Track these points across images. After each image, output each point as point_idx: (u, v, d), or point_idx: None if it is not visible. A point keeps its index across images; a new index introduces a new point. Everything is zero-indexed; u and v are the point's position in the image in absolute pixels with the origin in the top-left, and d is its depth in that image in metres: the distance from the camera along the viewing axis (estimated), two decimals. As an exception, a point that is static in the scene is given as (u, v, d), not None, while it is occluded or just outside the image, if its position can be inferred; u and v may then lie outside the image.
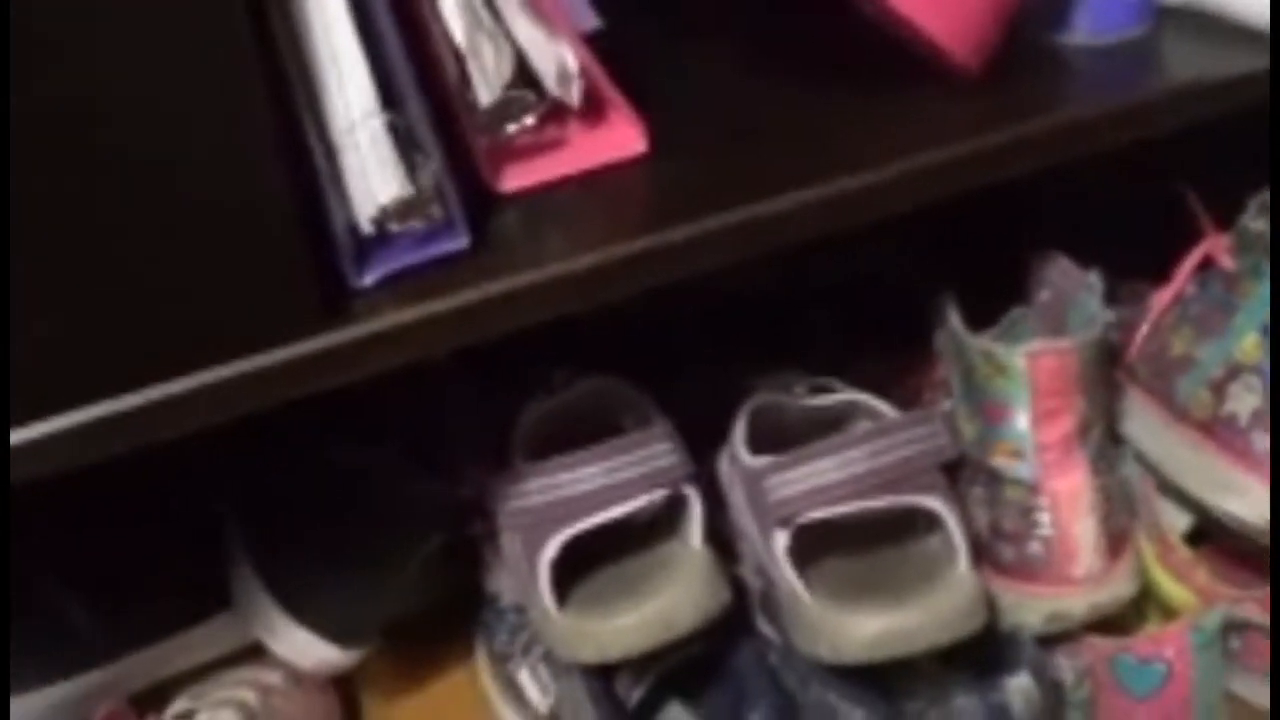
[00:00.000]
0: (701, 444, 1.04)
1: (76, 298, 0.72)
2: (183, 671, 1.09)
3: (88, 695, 1.03)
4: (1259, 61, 0.91)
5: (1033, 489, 1.00)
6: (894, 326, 1.12)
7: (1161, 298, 1.07)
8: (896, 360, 1.13)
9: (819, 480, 0.97)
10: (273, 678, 1.08)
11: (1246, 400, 1.00)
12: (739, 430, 1.03)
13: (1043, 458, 1.00)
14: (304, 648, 1.07)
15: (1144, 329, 1.07)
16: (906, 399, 1.10)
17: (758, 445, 1.02)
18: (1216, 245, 1.04)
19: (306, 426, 0.97)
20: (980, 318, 1.05)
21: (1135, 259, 1.07)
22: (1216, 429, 1.01)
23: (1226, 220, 1.04)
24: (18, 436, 0.74)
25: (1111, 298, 1.02)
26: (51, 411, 0.74)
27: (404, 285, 0.80)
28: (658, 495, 0.98)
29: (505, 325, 0.81)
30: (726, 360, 1.11)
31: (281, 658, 1.08)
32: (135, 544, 1.07)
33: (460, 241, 0.81)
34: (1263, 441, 0.99)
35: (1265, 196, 1.02)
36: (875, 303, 1.16)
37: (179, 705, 1.06)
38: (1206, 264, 1.05)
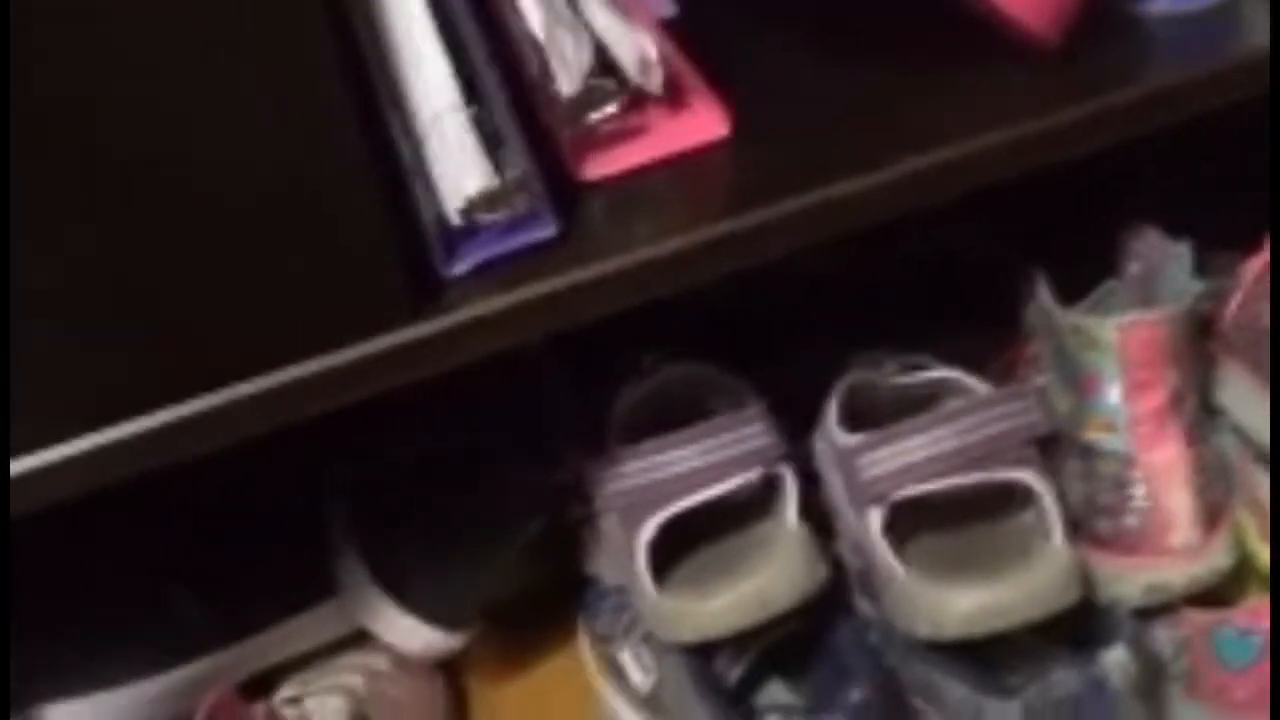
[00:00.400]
0: (797, 424, 1.04)
1: (168, 295, 0.74)
2: (290, 658, 1.10)
3: (196, 683, 1.04)
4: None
5: (1127, 462, 1.00)
6: (985, 303, 1.12)
7: (1254, 265, 1.06)
8: (988, 336, 1.13)
9: (911, 457, 0.98)
10: (379, 663, 1.10)
11: (1341, 367, 0.99)
12: (832, 409, 1.04)
13: (1136, 430, 1.00)
14: (409, 633, 1.08)
15: (1237, 297, 1.07)
16: (999, 375, 1.10)
17: (851, 424, 1.02)
18: (1309, 210, 1.04)
19: (407, 413, 0.98)
20: (1071, 291, 1.05)
21: (1228, 227, 1.07)
22: (1312, 397, 1.01)
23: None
24: (114, 434, 0.76)
25: (1204, 267, 1.02)
26: (151, 408, 0.76)
27: (494, 274, 0.81)
28: (753, 475, 0.99)
29: (595, 311, 0.82)
30: (818, 340, 1.11)
31: (387, 643, 1.09)
32: (242, 533, 1.08)
33: (548, 230, 0.82)
34: (1360, 408, 0.99)
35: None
36: (965, 279, 1.16)
37: (286, 691, 1.08)
38: (1300, 229, 1.05)
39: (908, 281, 1.20)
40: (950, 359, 1.05)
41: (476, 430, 1.11)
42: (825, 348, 1.08)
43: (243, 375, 0.77)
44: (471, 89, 0.81)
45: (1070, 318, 1.01)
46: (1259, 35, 0.91)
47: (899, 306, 1.16)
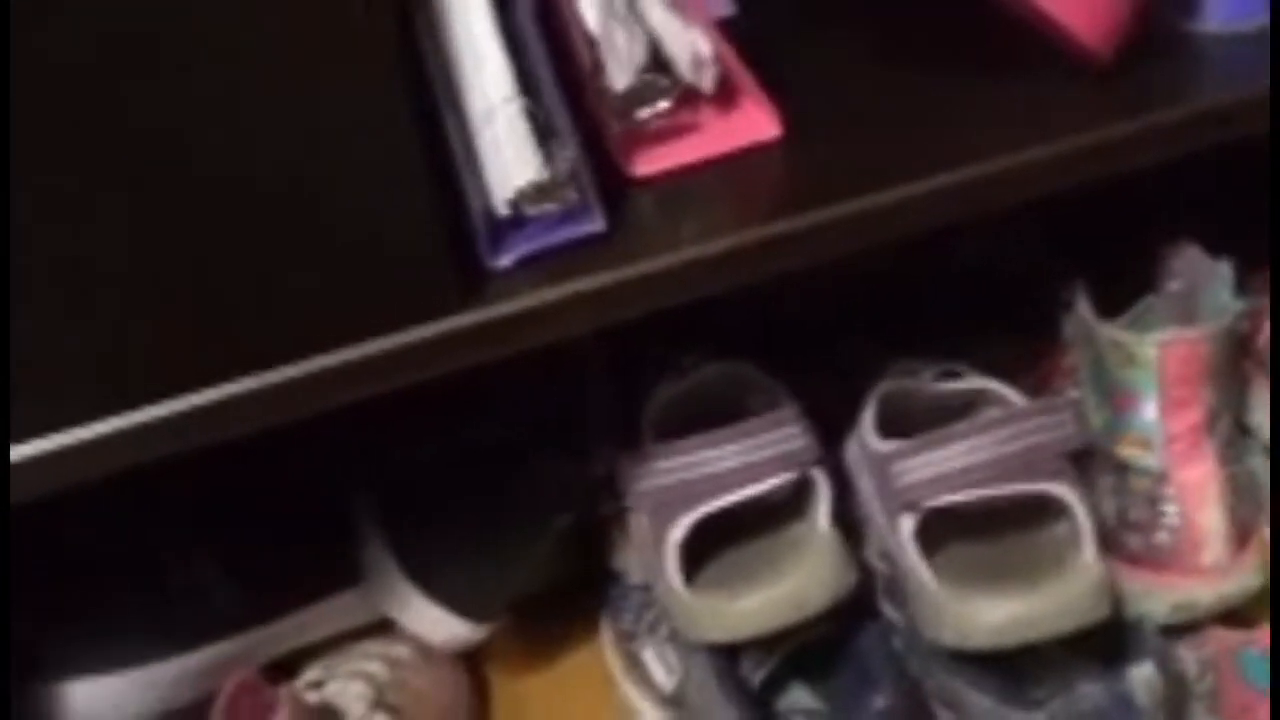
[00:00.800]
0: (830, 428, 1.04)
1: (222, 278, 0.74)
2: (314, 643, 1.10)
3: (221, 664, 1.04)
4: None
5: (1160, 479, 1.00)
6: (1024, 313, 1.12)
7: (1291, 286, 1.06)
8: (1026, 347, 1.13)
9: (946, 466, 0.98)
10: (402, 651, 1.10)
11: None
12: (867, 415, 1.03)
13: (1171, 448, 1.00)
14: (433, 622, 1.09)
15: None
16: (1035, 386, 1.10)
17: (886, 430, 1.02)
18: (1350, 235, 1.04)
19: (441, 405, 0.98)
20: (1110, 305, 1.05)
21: (1266, 248, 1.06)
22: (1345, 419, 1.01)
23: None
24: (160, 411, 0.76)
25: (1243, 287, 1.02)
26: (195, 388, 0.76)
27: (540, 267, 0.81)
28: (787, 477, 0.99)
29: (640, 307, 0.82)
30: (856, 345, 1.11)
31: (411, 632, 1.10)
32: (272, 517, 1.09)
33: (595, 225, 0.82)
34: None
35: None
36: (1005, 289, 1.16)
37: (310, 675, 1.07)
38: (1340, 253, 1.05)
39: (948, 288, 1.20)
40: (987, 367, 1.05)
41: (509, 423, 1.11)
42: (863, 351, 1.08)
43: (284, 359, 0.77)
44: (526, 82, 0.81)
45: (1110, 332, 1.01)
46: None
47: (939, 312, 1.16)
